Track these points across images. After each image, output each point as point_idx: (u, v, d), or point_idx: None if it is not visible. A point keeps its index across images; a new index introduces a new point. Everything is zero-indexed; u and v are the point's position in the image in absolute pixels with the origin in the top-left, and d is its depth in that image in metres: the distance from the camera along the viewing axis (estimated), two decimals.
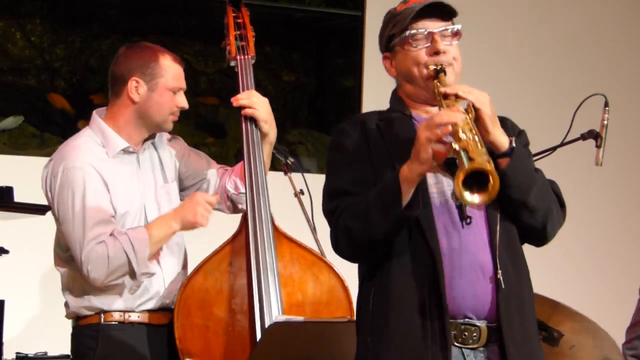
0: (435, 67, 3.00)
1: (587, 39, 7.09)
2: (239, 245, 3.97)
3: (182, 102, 4.00)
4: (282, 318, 3.78)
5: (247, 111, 4.04)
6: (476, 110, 2.86)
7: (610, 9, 7.16)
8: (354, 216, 2.93)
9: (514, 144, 2.91)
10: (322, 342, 3.63)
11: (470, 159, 2.71)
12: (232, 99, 4.06)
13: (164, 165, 4.08)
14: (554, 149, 4.24)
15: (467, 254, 2.94)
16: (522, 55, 6.75)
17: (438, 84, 2.97)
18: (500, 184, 2.76)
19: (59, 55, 6.10)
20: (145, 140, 4.02)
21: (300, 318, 3.80)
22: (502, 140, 2.90)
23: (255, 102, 4.06)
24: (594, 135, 4.37)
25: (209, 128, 6.22)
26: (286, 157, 4.51)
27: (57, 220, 3.94)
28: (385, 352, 2.91)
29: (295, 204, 4.40)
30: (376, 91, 6.22)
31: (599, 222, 6.85)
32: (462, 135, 2.75)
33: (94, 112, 4.05)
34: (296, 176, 4.46)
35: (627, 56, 7.15)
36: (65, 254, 3.95)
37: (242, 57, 4.14)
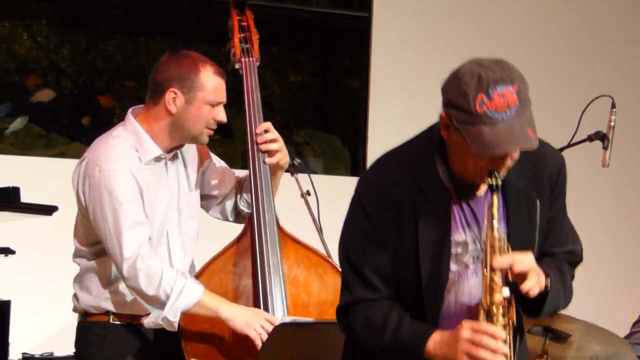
0: (490, 184, 2.77)
1: (593, 40, 7.10)
2: (244, 246, 3.98)
3: (221, 116, 3.94)
4: (288, 319, 3.80)
5: (272, 160, 4.04)
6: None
7: (617, 10, 7.17)
8: (367, 337, 2.90)
9: (548, 288, 2.84)
10: (327, 342, 3.55)
11: None
12: (259, 140, 4.05)
13: (188, 173, 4.06)
14: (561, 150, 4.22)
15: (461, 314, 2.91)
16: (528, 56, 6.71)
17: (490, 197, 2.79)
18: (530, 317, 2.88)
19: (65, 56, 6.11)
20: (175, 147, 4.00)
21: (306, 319, 3.83)
22: (539, 290, 2.83)
23: (283, 147, 4.06)
24: (600, 136, 4.39)
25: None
26: (292, 158, 4.49)
27: (85, 217, 3.90)
28: None
29: (301, 204, 4.36)
30: (383, 92, 6.23)
31: (605, 223, 6.85)
32: None
33: (130, 111, 4.01)
34: (302, 177, 4.41)
35: (635, 57, 7.16)
36: (86, 248, 3.95)
37: (247, 59, 4.15)
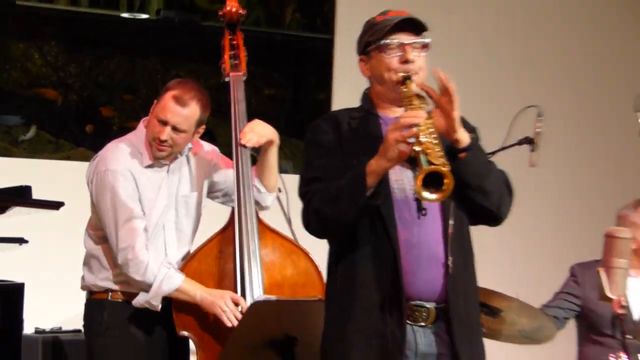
0: (403, 75, 3.13)
1: (523, 56, 7.31)
2: (228, 235, 4.15)
3: (158, 132, 3.96)
4: (262, 297, 4.04)
5: (254, 141, 4.11)
6: (450, 112, 2.98)
7: (544, 31, 7.39)
8: (324, 201, 3.06)
9: (472, 140, 3.06)
10: (297, 318, 3.83)
11: (429, 161, 2.81)
12: (241, 139, 4.13)
13: (192, 176, 4.16)
14: (493, 152, 4.36)
15: (423, 244, 3.08)
16: (470, 70, 6.91)
17: (404, 89, 3.10)
18: (460, 173, 2.95)
19: (72, 73, 6.26)
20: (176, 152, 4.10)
21: (276, 297, 4.06)
22: (464, 137, 3.03)
23: (262, 135, 4.14)
24: (528, 140, 4.66)
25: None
26: None
27: (95, 209, 4.09)
28: (350, 328, 3.09)
29: (274, 199, 4.46)
30: (344, 104, 6.34)
31: (533, 218, 7.03)
32: (422, 139, 2.86)
33: (142, 120, 4.14)
34: None
35: (560, 70, 7.40)
36: (93, 232, 4.14)
37: (235, 73, 4.30)
